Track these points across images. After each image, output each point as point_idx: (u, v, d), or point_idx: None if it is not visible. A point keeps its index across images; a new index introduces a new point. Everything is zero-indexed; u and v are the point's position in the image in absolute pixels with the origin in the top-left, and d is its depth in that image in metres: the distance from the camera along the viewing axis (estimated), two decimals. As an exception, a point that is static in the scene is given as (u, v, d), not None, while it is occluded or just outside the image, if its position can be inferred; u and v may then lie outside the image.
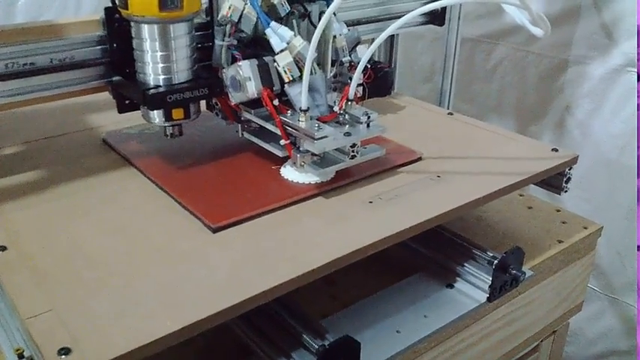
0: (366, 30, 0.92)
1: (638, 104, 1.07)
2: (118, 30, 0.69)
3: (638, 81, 1.09)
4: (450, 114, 0.94)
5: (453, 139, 0.85)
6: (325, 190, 0.68)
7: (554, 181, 0.79)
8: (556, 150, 0.79)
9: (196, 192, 0.68)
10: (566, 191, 0.79)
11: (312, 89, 0.66)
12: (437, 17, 1.04)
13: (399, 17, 0.96)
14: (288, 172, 0.70)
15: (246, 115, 0.73)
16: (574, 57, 1.19)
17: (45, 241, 0.60)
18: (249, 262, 0.56)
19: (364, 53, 0.69)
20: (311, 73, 0.64)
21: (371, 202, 0.66)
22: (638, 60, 1.08)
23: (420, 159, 0.76)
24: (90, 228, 0.62)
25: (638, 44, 1.06)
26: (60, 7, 1.57)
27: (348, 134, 0.67)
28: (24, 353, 0.56)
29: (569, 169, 0.78)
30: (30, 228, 0.62)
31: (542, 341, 0.89)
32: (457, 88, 1.14)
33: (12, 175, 0.73)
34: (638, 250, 0.61)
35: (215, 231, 0.61)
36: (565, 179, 0.78)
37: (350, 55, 0.75)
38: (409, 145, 0.79)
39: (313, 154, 0.67)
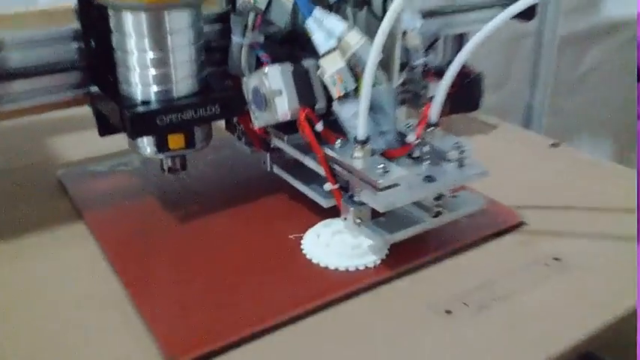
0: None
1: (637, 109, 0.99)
2: (96, 22, 0.49)
3: (638, 82, 1.00)
4: (554, 145, 0.71)
5: (566, 189, 0.61)
6: (371, 282, 0.45)
7: None
8: None
9: (164, 289, 0.45)
10: None
11: (374, 108, 0.46)
12: (523, 10, 0.83)
13: (464, 11, 0.79)
14: (313, 248, 0.48)
15: (277, 143, 0.53)
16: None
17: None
18: None
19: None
20: (373, 85, 0.44)
21: (449, 312, 0.44)
22: (638, 59, 1.01)
23: (521, 224, 0.54)
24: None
25: (638, 39, 1.01)
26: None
27: (429, 179, 0.45)
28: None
29: None
30: None
31: None
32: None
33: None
34: (637, 244, 0.47)
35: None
36: None
37: (425, 57, 0.56)
38: (497, 196, 0.56)
39: (375, 211, 0.45)
